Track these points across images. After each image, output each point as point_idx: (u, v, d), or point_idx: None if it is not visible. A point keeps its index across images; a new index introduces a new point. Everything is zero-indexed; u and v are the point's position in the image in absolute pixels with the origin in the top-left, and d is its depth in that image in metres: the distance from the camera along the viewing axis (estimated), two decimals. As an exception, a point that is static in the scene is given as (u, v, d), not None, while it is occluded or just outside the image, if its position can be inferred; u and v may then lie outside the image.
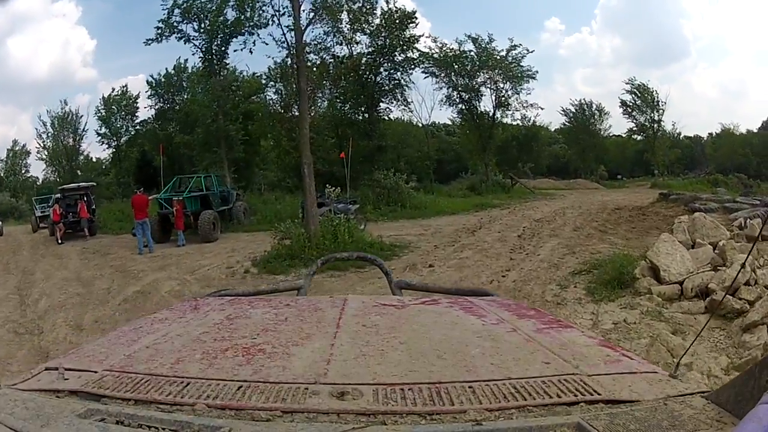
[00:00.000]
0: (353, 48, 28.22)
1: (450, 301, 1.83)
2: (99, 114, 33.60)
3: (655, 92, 35.64)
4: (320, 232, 12.42)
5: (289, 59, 17.80)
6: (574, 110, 40.12)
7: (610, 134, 41.23)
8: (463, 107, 32.54)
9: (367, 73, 28.61)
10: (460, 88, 31.84)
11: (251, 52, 23.79)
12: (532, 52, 31.91)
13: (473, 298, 1.94)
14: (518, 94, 31.98)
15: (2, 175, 37.97)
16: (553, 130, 42.68)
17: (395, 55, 28.64)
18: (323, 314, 1.57)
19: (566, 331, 1.41)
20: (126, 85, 34.04)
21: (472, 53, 31.24)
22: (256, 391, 1.00)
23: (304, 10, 13.92)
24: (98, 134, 33.72)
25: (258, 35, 23.03)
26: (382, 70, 28.86)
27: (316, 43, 25.79)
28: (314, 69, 25.03)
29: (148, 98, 32.27)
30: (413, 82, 30.22)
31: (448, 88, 32.02)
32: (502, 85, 31.80)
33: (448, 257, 12.25)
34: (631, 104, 36.44)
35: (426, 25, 64.45)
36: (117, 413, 0.92)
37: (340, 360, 1.15)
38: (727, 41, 57.07)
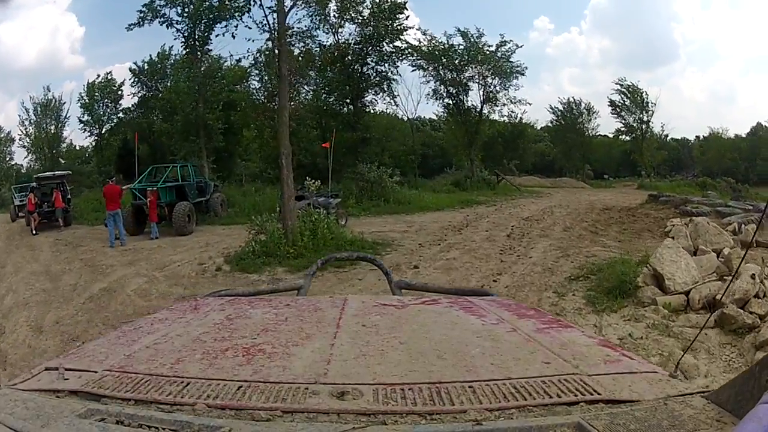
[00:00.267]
0: (340, 37, 27.77)
1: (450, 301, 1.82)
2: (82, 101, 32.74)
3: (644, 93, 35.66)
4: (297, 228, 11.59)
5: (270, 42, 16.76)
6: (562, 108, 40.04)
7: (597, 134, 41.29)
8: (450, 102, 32.13)
9: (354, 63, 28.03)
10: (447, 82, 31.33)
11: (234, 36, 23.07)
12: (521, 47, 31.66)
13: (473, 297, 1.93)
14: (507, 89, 31.81)
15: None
16: (539, 128, 42.65)
17: (383, 46, 28.10)
18: (323, 314, 1.58)
19: (566, 331, 1.42)
20: (110, 72, 33.21)
21: (461, 47, 30.82)
22: (256, 391, 1.00)
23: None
24: (81, 121, 33.01)
25: (241, 19, 22.19)
26: (369, 60, 28.34)
27: (301, 30, 25.29)
28: (299, 58, 24.42)
29: (132, 86, 31.61)
30: (400, 74, 29.81)
31: (435, 82, 31.61)
32: (490, 80, 31.50)
33: (434, 257, 11.52)
34: (620, 104, 36.41)
35: (415, 21, 64.07)
36: (117, 413, 0.92)
37: (340, 360, 1.15)
38: (718, 46, 57.18)
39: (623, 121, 37.03)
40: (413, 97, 45.03)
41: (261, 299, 2.00)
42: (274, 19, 13.00)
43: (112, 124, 33.16)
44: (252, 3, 18.55)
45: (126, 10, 47.66)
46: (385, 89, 29.39)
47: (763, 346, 6.34)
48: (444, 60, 30.74)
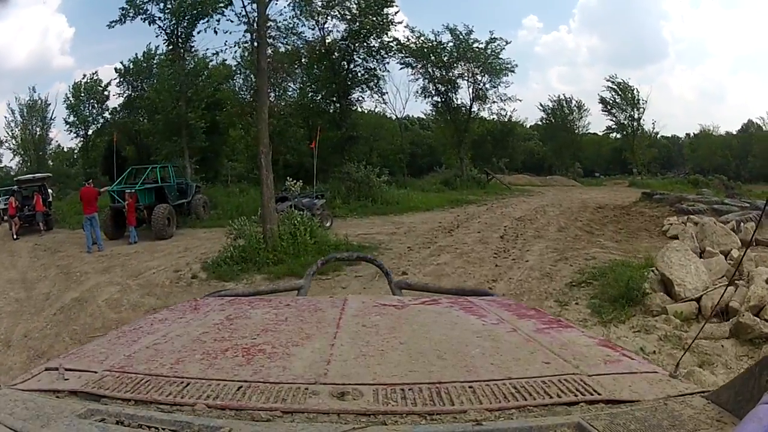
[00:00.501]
0: (326, 32, 27.11)
1: (450, 301, 1.81)
2: (68, 102, 32.13)
3: (635, 90, 35.49)
4: (278, 232, 10.87)
5: (248, 34, 16.01)
6: (552, 106, 39.90)
7: (587, 131, 41.31)
8: (439, 100, 31.77)
9: (341, 60, 27.41)
10: (436, 80, 30.92)
11: (215, 32, 22.44)
12: (509, 43, 31.71)
13: (473, 298, 1.93)
14: (496, 87, 31.50)
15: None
16: (528, 126, 42.80)
17: (370, 41, 27.40)
18: (323, 314, 1.57)
19: (566, 330, 1.41)
20: (96, 72, 32.51)
21: (449, 44, 30.43)
22: (256, 392, 0.99)
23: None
24: (66, 123, 32.23)
25: (222, 14, 21.49)
26: (355, 56, 27.71)
27: (285, 25, 24.70)
28: (285, 55, 23.83)
29: (117, 86, 30.92)
30: (388, 71, 29.24)
31: (424, 80, 31.20)
32: (480, 78, 31.16)
33: (424, 262, 10.85)
34: (611, 102, 36.21)
35: (402, 18, 64.06)
36: (117, 413, 0.93)
37: (340, 360, 1.14)
38: (707, 44, 57.21)
39: (614, 119, 36.98)
40: (401, 95, 45.16)
41: (261, 299, 1.99)
42: (253, 10, 12.28)
43: (98, 125, 32.54)
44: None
45: (115, 10, 47.43)
46: (373, 87, 28.88)
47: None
48: (432, 57, 30.32)
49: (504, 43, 30.71)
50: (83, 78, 32.38)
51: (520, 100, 38.04)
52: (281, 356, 1.17)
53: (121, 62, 30.45)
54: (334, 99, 27.84)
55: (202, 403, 0.94)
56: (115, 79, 30.77)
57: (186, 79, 24.93)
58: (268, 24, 13.14)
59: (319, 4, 25.35)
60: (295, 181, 14.07)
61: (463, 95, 31.51)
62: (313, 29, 26.54)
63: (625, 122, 36.12)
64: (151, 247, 14.93)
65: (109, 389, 1.02)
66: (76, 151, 35.13)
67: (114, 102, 31.95)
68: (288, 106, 27.08)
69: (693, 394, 0.97)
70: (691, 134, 42.99)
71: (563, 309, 7.17)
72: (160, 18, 23.97)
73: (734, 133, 40.50)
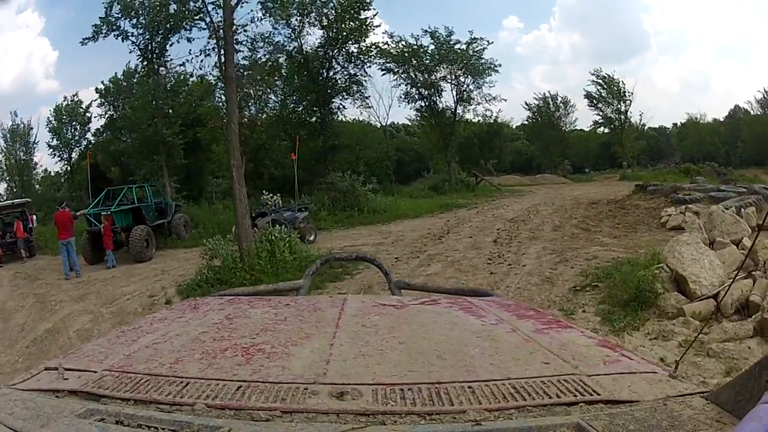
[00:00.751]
0: (302, 40, 26.44)
1: (449, 302, 1.80)
2: (50, 125, 31.70)
3: (621, 83, 35.29)
4: (255, 250, 10.14)
5: (214, 39, 15.20)
6: (538, 104, 39.67)
7: (574, 128, 41.07)
8: (423, 104, 31.31)
9: (320, 68, 26.75)
10: (419, 84, 30.45)
11: (189, 40, 21.77)
12: (491, 43, 31.09)
13: (473, 298, 1.91)
14: (480, 88, 31.07)
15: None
16: (514, 126, 42.86)
17: (348, 46, 26.76)
18: (322, 314, 1.56)
19: (566, 331, 1.39)
20: (76, 93, 32.13)
21: (431, 47, 30.03)
22: (255, 391, 0.98)
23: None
24: (50, 146, 31.98)
25: (196, 25, 20.83)
26: (334, 63, 27.02)
27: (261, 35, 24.02)
28: (264, 68, 23.21)
29: (99, 107, 30.31)
30: (370, 76, 28.61)
31: (406, 85, 30.75)
32: (463, 80, 30.72)
33: (412, 273, 10.08)
34: (597, 96, 35.93)
35: (381, 24, 64.10)
36: (116, 413, 0.92)
37: (339, 360, 1.13)
38: (689, 34, 57.46)
39: (601, 113, 36.72)
40: (384, 102, 44.51)
41: (260, 299, 1.96)
42: (218, 15, 11.60)
43: (81, 148, 32.05)
44: (202, 2, 17.00)
45: (95, 29, 47.39)
46: (354, 93, 28.30)
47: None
48: (414, 61, 29.90)
49: (486, 43, 30.43)
50: (64, 100, 32.09)
51: (505, 100, 38.58)
52: (280, 356, 1.17)
53: (102, 82, 29.91)
54: (315, 108, 27.18)
55: (202, 402, 0.93)
56: (95, 100, 30.28)
57: (162, 95, 24.30)
58: (236, 29, 12.39)
59: (294, 7, 24.61)
60: (271, 194, 13.37)
61: (447, 98, 31.16)
62: (289, 37, 25.90)
63: (613, 116, 35.91)
64: (129, 270, 14.40)
65: (108, 389, 1.00)
66: (62, 175, 34.61)
67: (96, 123, 31.53)
68: (270, 118, 26.49)
69: (693, 395, 0.96)
70: (679, 124, 43.12)
71: (570, 318, 6.46)
72: (132, 34, 23.39)
73: (721, 119, 40.66)
